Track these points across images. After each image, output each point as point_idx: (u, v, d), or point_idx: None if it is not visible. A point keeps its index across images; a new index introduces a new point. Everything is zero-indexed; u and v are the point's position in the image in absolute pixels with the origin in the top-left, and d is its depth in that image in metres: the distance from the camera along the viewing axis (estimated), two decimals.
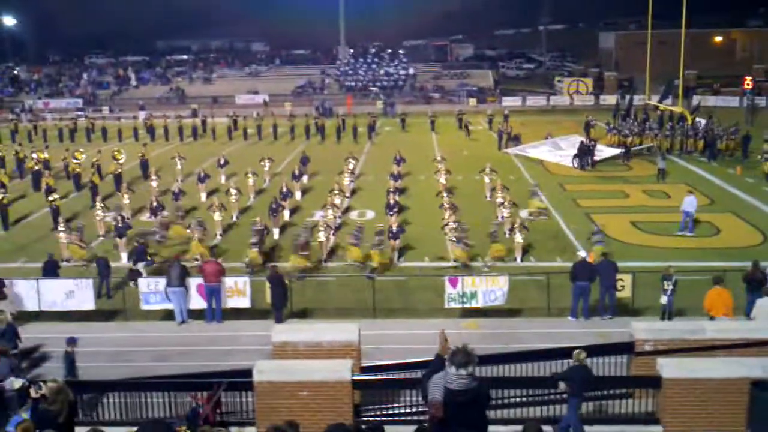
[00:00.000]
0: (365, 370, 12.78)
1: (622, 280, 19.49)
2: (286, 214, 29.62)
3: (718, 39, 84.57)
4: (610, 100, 64.22)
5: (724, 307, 17.04)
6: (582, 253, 21.35)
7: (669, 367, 11.57)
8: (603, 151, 40.24)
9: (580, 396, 11.94)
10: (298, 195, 32.86)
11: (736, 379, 11.24)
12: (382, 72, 79.64)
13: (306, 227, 25.42)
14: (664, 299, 18.74)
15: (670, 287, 18.66)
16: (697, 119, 45.80)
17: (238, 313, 19.81)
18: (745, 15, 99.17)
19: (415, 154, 40.50)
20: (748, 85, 56.67)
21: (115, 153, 38.31)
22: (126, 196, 30.42)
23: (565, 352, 12.78)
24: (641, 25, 70.57)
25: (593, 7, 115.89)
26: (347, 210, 30.82)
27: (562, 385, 11.90)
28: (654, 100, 53.60)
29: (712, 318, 16.82)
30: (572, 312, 19.38)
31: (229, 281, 19.93)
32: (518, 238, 23.92)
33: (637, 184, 34.54)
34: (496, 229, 24.58)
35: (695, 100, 54.31)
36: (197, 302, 19.84)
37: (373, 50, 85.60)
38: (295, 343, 12.66)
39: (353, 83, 77.57)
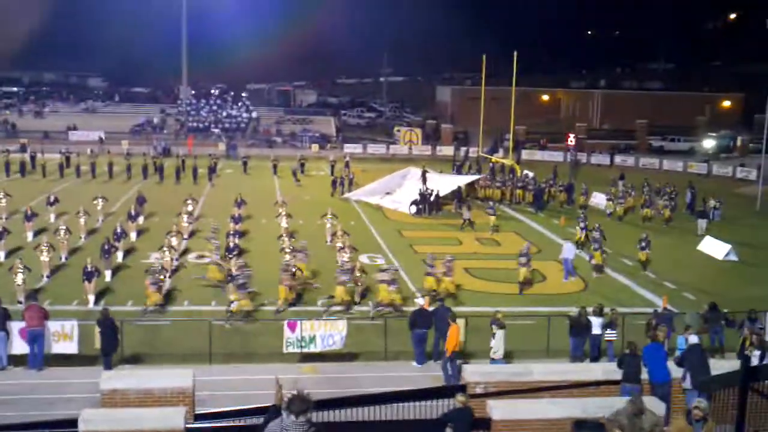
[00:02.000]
0: (199, 417, 12.42)
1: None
2: (120, 255, 28.53)
3: (545, 98, 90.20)
4: (446, 150, 66.83)
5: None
6: (420, 301, 21.84)
7: (498, 409, 12.00)
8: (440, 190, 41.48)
9: None
10: (133, 236, 31.77)
11: (558, 420, 11.82)
12: (224, 114, 78.91)
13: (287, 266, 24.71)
14: (493, 343, 19.49)
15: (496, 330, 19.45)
16: (525, 171, 48.54)
17: (64, 359, 18.77)
18: (570, 77, 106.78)
19: (257, 198, 40.30)
20: (571, 141, 60.61)
21: None
22: None
23: (400, 396, 12.98)
24: (476, 81, 74.20)
25: (431, 62, 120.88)
26: (185, 252, 30.10)
27: (448, 430, 12.01)
28: (487, 153, 56.24)
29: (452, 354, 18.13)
30: (417, 358, 19.65)
31: (55, 325, 18.87)
32: (359, 282, 24.27)
33: (471, 232, 35.91)
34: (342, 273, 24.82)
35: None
36: (20, 347, 18.63)
37: (216, 92, 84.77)
38: (124, 390, 12.11)
39: (195, 124, 76.32)
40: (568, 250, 28.65)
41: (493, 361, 18.85)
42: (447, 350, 18.41)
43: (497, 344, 18.84)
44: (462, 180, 45.38)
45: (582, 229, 32.72)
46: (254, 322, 21.85)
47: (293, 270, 24.43)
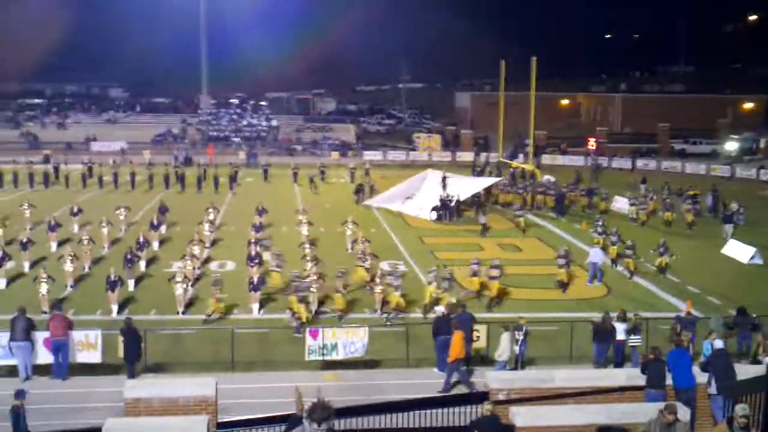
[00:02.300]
0: (222, 426, 12.46)
1: (477, 330, 20.06)
2: (142, 264, 28.72)
3: (565, 102, 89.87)
4: (466, 156, 66.73)
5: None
6: (440, 308, 21.77)
7: (521, 416, 11.93)
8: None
9: None
10: (155, 245, 31.97)
11: (583, 426, 11.73)
12: (244, 123, 79.36)
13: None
14: (516, 349, 19.43)
15: (522, 337, 19.40)
16: (546, 176, 48.34)
17: (88, 369, 18.91)
18: (590, 81, 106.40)
19: (278, 206, 40.44)
20: (591, 146, 60.31)
21: None
22: None
23: (424, 403, 12.96)
24: (495, 86, 73.98)
25: (450, 69, 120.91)
26: (207, 261, 30.24)
27: None
28: (507, 159, 56.11)
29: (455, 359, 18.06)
30: (440, 365, 19.49)
31: (79, 335, 19.02)
32: (378, 289, 24.25)
33: (492, 237, 35.81)
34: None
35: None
36: (44, 356, 18.79)
37: (236, 101, 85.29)
38: (148, 399, 12.18)
39: (215, 133, 76.81)
40: (596, 255, 28.64)
41: (499, 363, 18.84)
42: (450, 357, 18.34)
43: (502, 347, 18.85)
44: (482, 182, 45.28)
45: (600, 234, 32.42)
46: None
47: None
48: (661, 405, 12.56)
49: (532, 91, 50.19)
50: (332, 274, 25.92)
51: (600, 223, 33.75)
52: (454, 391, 17.82)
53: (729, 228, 35.86)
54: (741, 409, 10.34)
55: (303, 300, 22.87)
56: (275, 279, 26.18)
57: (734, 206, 39.24)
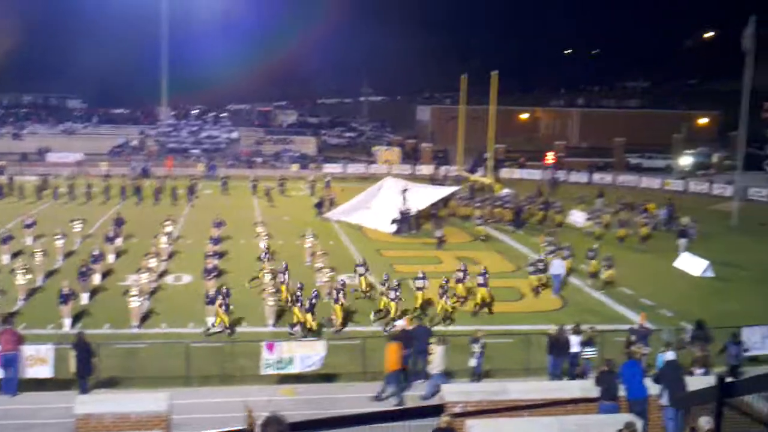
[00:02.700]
0: None
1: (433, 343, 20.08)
2: (97, 278, 28.31)
3: (524, 116, 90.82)
4: (425, 169, 67.02)
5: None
6: (400, 322, 21.74)
7: (476, 428, 11.99)
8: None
9: None
10: (111, 258, 31.55)
11: None
12: (204, 134, 78.81)
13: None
14: (473, 362, 19.52)
15: (479, 350, 19.50)
16: (504, 190, 48.76)
17: (39, 384, 18.55)
18: (549, 96, 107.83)
19: (236, 218, 40.20)
20: (549, 160, 61.00)
21: None
22: None
23: (379, 416, 12.93)
24: (455, 100, 74.58)
25: (411, 82, 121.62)
26: (163, 274, 29.91)
27: None
28: (466, 172, 56.49)
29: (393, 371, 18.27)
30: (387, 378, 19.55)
31: (30, 349, 18.67)
32: (339, 302, 24.20)
33: (450, 250, 35.97)
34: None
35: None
36: None
37: (196, 112, 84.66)
38: (99, 415, 12.02)
39: (175, 145, 76.15)
40: (557, 266, 28.99)
41: (432, 376, 18.82)
42: (386, 368, 18.44)
43: (436, 360, 18.82)
44: (441, 192, 45.45)
45: (551, 252, 32.22)
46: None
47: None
48: (614, 416, 12.78)
49: (492, 105, 50.70)
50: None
51: (550, 239, 34.04)
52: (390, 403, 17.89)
53: (683, 242, 36.44)
54: (706, 422, 10.48)
55: (311, 309, 23.03)
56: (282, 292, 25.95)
57: (685, 220, 39.93)
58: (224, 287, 24.28)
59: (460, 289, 26.81)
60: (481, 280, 26.38)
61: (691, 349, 19.22)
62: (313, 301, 23.41)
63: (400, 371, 18.67)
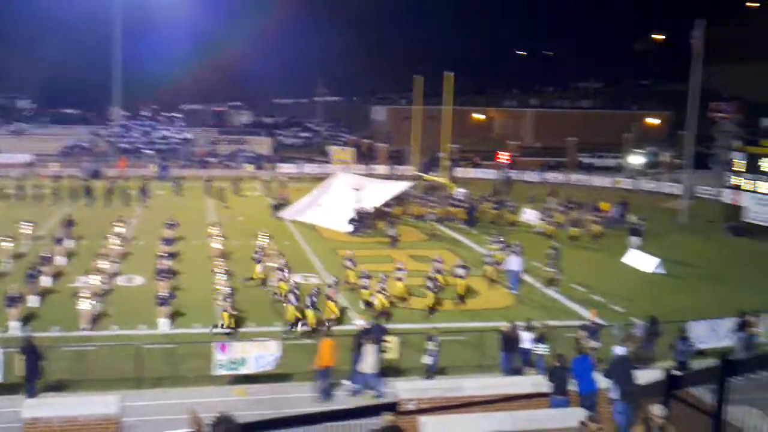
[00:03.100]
0: None
1: (389, 341, 20.15)
2: (47, 280, 27.78)
3: (478, 117, 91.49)
4: (380, 169, 67.10)
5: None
6: (360, 322, 21.70)
7: (430, 425, 12.03)
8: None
9: None
10: (61, 260, 30.99)
11: None
12: (157, 135, 77.83)
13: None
14: (428, 359, 19.59)
15: (434, 348, 19.58)
16: (458, 189, 49.07)
17: None
18: (502, 96, 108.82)
19: (189, 219, 39.78)
20: (502, 159, 61.48)
21: None
22: None
23: (334, 415, 12.89)
24: (410, 100, 74.85)
25: (366, 82, 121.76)
26: (115, 275, 29.47)
27: None
28: (421, 171, 56.76)
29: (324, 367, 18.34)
30: (353, 378, 19.50)
31: None
32: (293, 301, 24.09)
33: (403, 249, 36.03)
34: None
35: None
36: None
37: (149, 113, 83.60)
38: (47, 419, 11.80)
39: (127, 145, 75.07)
40: (512, 263, 29.24)
41: (362, 375, 18.80)
42: (316, 363, 18.51)
43: (369, 359, 18.74)
44: (395, 187, 45.53)
45: (501, 249, 32.40)
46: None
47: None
48: (565, 410, 12.96)
49: (447, 105, 50.96)
50: (243, 286, 25.69)
51: (498, 238, 34.24)
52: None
53: (635, 240, 36.96)
54: (660, 409, 10.40)
55: (313, 305, 23.24)
56: (282, 287, 25.89)
57: (633, 218, 40.56)
58: (228, 288, 24.38)
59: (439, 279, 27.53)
60: (461, 272, 27.48)
61: (626, 344, 19.55)
62: (314, 298, 23.48)
63: (330, 368, 18.62)
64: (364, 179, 45.77)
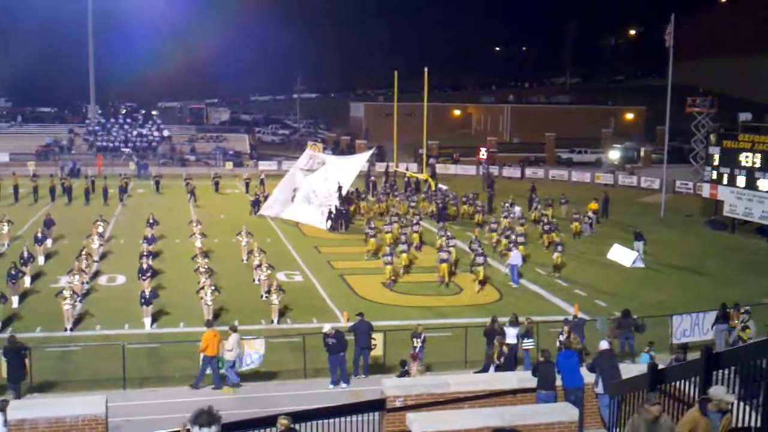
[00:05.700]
0: None
1: (374, 339, 20.20)
2: (27, 280, 27.55)
3: (457, 112, 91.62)
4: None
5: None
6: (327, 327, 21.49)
7: (418, 422, 12.07)
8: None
9: None
10: (41, 260, 30.75)
11: (477, 429, 11.97)
12: (135, 133, 77.16)
13: None
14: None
15: (419, 344, 19.65)
16: (439, 185, 49.11)
17: None
18: (480, 92, 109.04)
19: (170, 217, 39.57)
20: (482, 155, 61.57)
21: None
22: None
23: (317, 413, 12.92)
24: (389, 97, 74.87)
25: (344, 79, 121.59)
26: (96, 275, 29.29)
27: None
28: (401, 167, 56.79)
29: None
30: (333, 380, 19.41)
31: None
32: (274, 300, 24.08)
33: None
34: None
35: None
36: None
37: (126, 110, 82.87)
38: (33, 420, 11.74)
39: (104, 143, 74.38)
40: (514, 257, 29.71)
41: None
42: (201, 350, 18.57)
43: (231, 348, 18.69)
44: (358, 160, 46.29)
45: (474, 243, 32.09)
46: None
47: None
48: (551, 405, 13.07)
49: (425, 101, 51.03)
50: (227, 285, 25.63)
51: (447, 234, 33.61)
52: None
53: (639, 245, 34.82)
54: (724, 391, 9.16)
55: None
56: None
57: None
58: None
59: (444, 269, 28.88)
60: (480, 259, 28.69)
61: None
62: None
63: (214, 358, 18.56)
64: (326, 157, 46.32)
